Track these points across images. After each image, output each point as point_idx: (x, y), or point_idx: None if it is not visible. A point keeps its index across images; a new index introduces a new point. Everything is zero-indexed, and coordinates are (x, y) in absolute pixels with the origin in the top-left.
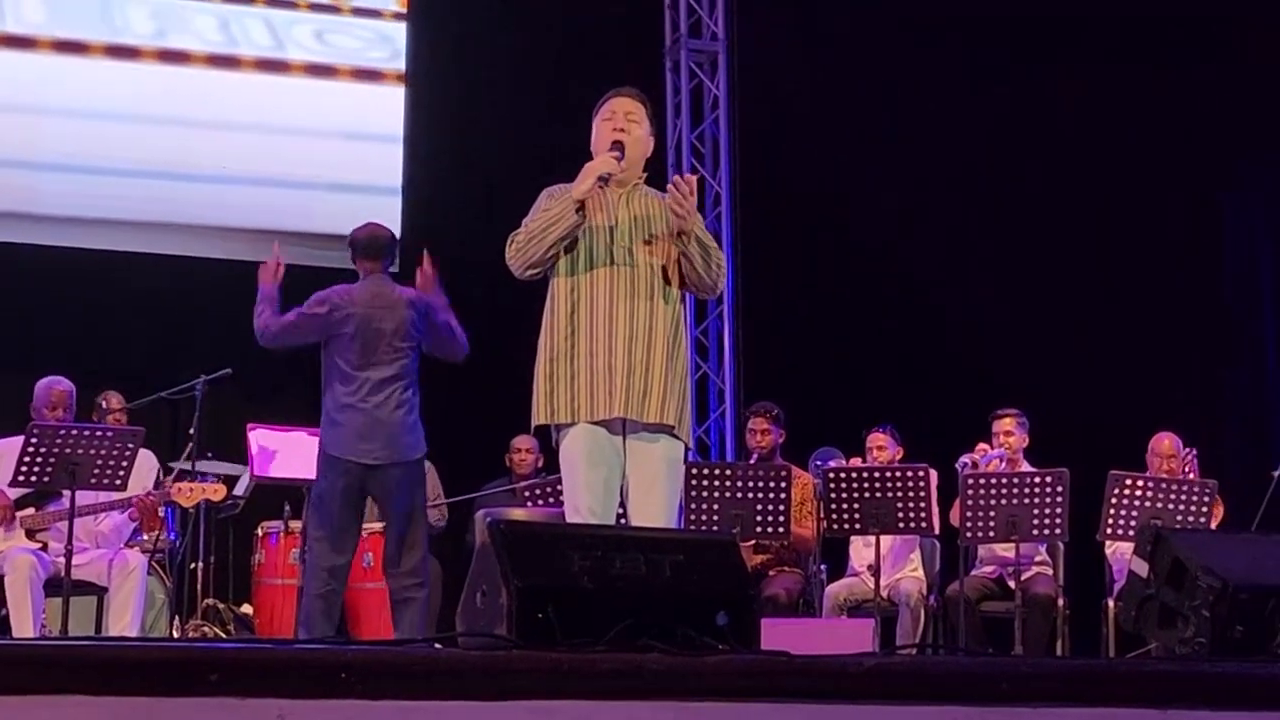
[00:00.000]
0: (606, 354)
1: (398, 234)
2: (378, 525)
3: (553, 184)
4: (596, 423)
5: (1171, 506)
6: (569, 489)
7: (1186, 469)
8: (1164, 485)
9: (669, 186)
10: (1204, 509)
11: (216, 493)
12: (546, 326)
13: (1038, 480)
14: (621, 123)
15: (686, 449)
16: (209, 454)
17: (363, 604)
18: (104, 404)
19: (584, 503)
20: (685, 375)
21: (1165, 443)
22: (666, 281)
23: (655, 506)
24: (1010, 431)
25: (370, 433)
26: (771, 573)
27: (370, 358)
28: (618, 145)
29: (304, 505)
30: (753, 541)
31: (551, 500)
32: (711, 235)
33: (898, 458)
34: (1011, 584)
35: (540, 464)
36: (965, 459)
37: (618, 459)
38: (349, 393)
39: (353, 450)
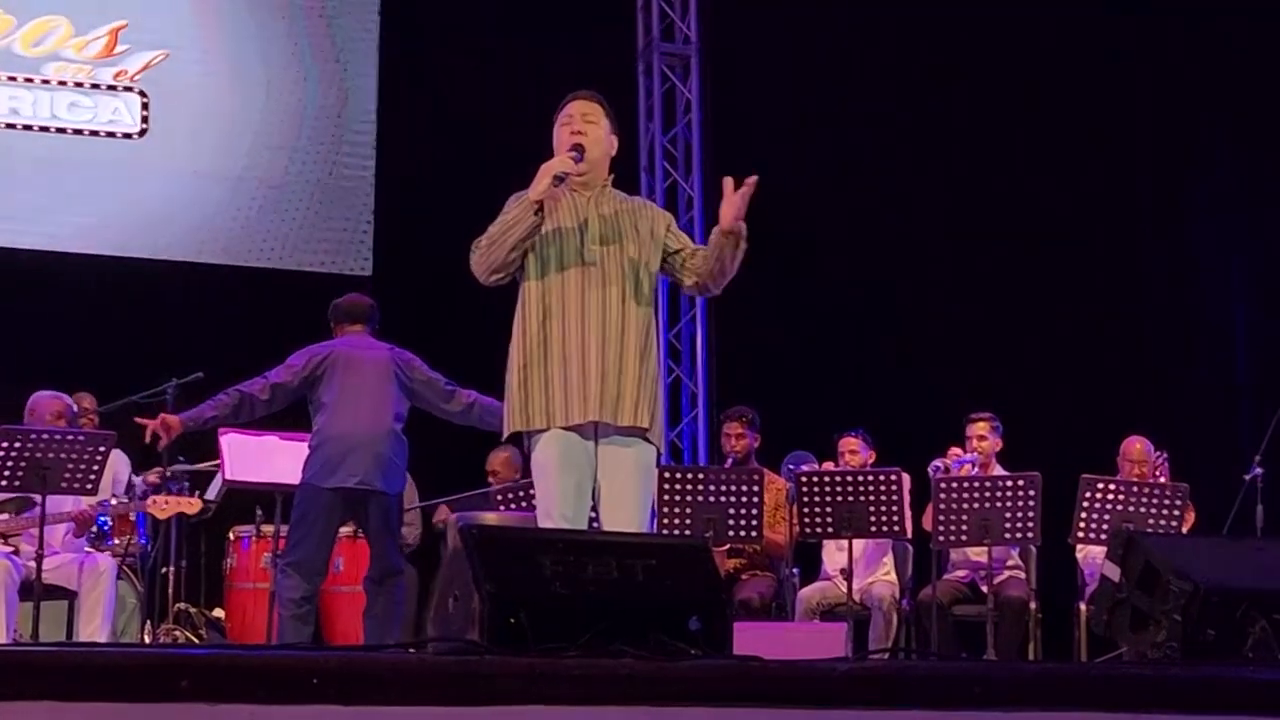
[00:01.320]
0: (580, 358)
1: (369, 237)
2: (348, 530)
3: (520, 190)
4: (570, 428)
5: (1143, 510)
6: (542, 494)
7: (1157, 473)
8: (1135, 489)
9: (725, 182)
10: (1175, 513)
11: (192, 506)
12: (518, 332)
13: (1010, 484)
14: (579, 125)
15: (659, 452)
16: (180, 458)
17: (336, 607)
18: (75, 406)
19: (556, 509)
20: (657, 378)
21: (1136, 446)
22: (638, 283)
23: (627, 512)
24: (984, 436)
25: (353, 459)
26: (744, 576)
27: (353, 390)
28: (576, 147)
29: (276, 510)
30: (726, 546)
31: (525, 505)
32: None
33: (870, 461)
34: (984, 588)
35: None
36: (937, 463)
37: (590, 465)
38: (332, 423)
39: (333, 477)
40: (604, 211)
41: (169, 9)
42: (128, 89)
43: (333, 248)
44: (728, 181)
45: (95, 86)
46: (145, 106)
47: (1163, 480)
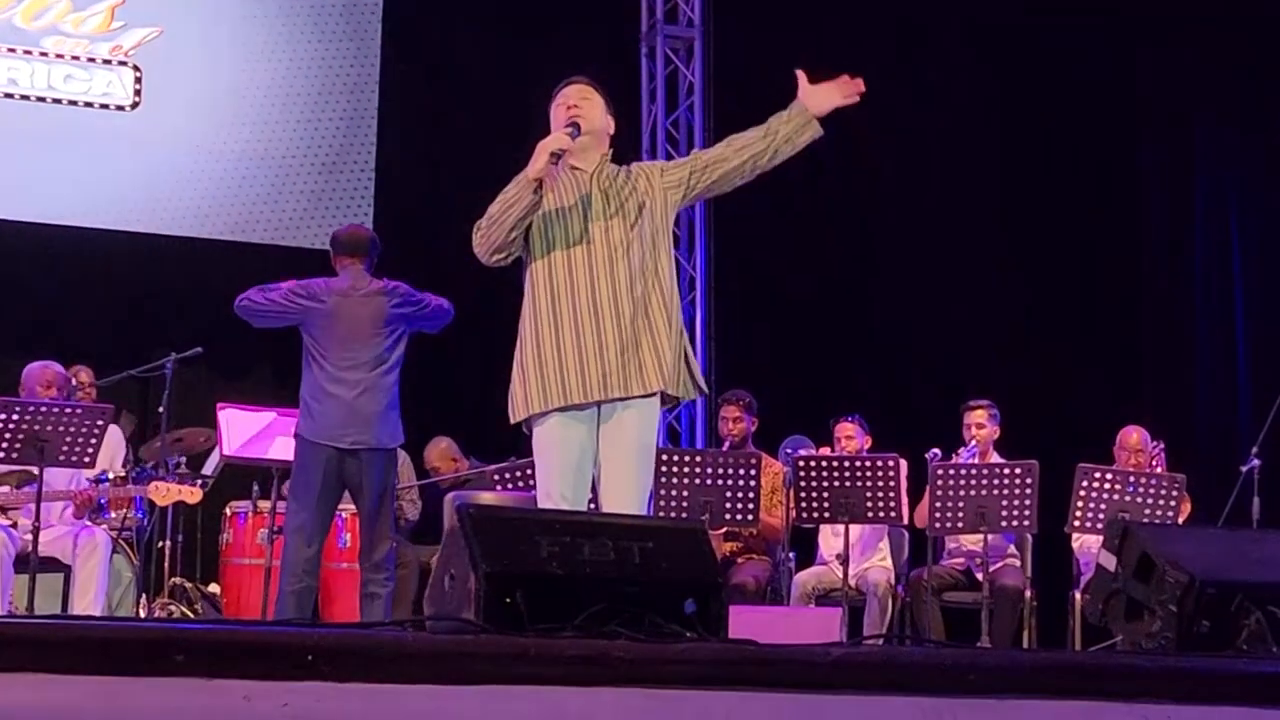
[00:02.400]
0: (594, 335)
1: (370, 215)
2: (352, 507)
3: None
4: (570, 407)
5: (1139, 500)
6: (541, 475)
7: (1154, 463)
8: (1132, 479)
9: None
10: (1172, 503)
11: (193, 496)
12: (528, 314)
13: (1007, 472)
14: (574, 101)
15: (679, 403)
16: (178, 433)
17: (336, 584)
18: (73, 379)
19: (556, 488)
20: (681, 333)
21: (1133, 436)
22: (648, 252)
23: (625, 496)
24: (982, 424)
25: (348, 418)
26: (739, 560)
27: (348, 345)
28: (572, 123)
29: (273, 486)
30: (723, 530)
31: (522, 485)
32: (684, 225)
33: (865, 447)
34: (979, 575)
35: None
36: (935, 451)
37: (591, 445)
38: (327, 379)
39: (329, 435)
40: (604, 186)
41: None
42: (122, 63)
43: (332, 224)
44: (802, 76)
45: (91, 60)
46: (139, 80)
47: (1159, 470)
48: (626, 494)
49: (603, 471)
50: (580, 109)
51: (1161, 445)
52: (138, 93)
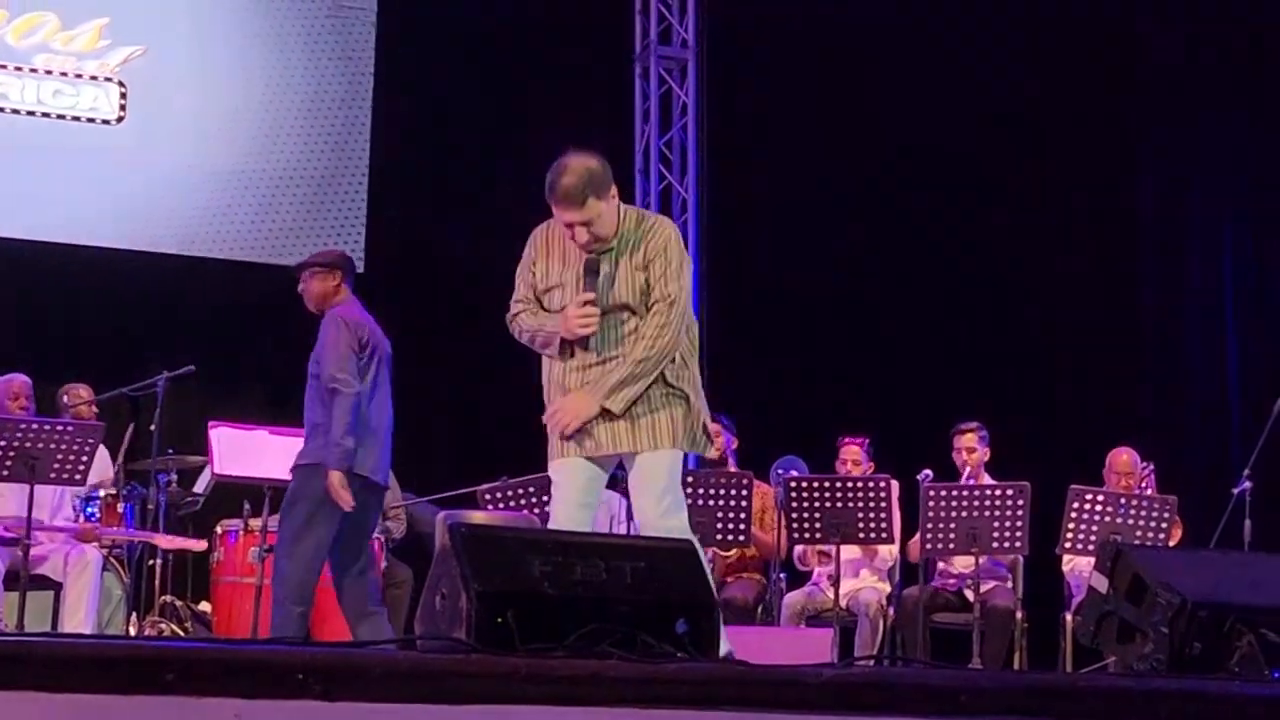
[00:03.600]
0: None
1: (361, 241)
2: None
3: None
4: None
5: (1131, 522)
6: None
7: (1144, 484)
8: (1124, 501)
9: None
10: (1163, 525)
11: (198, 545)
12: (544, 376)
13: (999, 493)
14: (582, 236)
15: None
16: (170, 450)
17: (328, 603)
18: (65, 398)
19: (561, 517)
20: (672, 392)
21: (1123, 458)
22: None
23: (650, 485)
24: (973, 448)
25: (384, 454)
26: (729, 579)
27: (385, 377)
28: (589, 303)
29: (264, 504)
30: (733, 552)
31: (512, 504)
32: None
33: (868, 473)
34: (970, 596)
35: None
36: (927, 472)
37: (600, 478)
38: (371, 414)
39: (380, 473)
40: (614, 259)
41: (155, 5)
42: (108, 79)
43: (324, 243)
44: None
45: (79, 76)
46: (124, 96)
47: (1150, 492)
48: (651, 486)
49: (631, 489)
50: (590, 239)
51: (1151, 467)
52: (123, 107)
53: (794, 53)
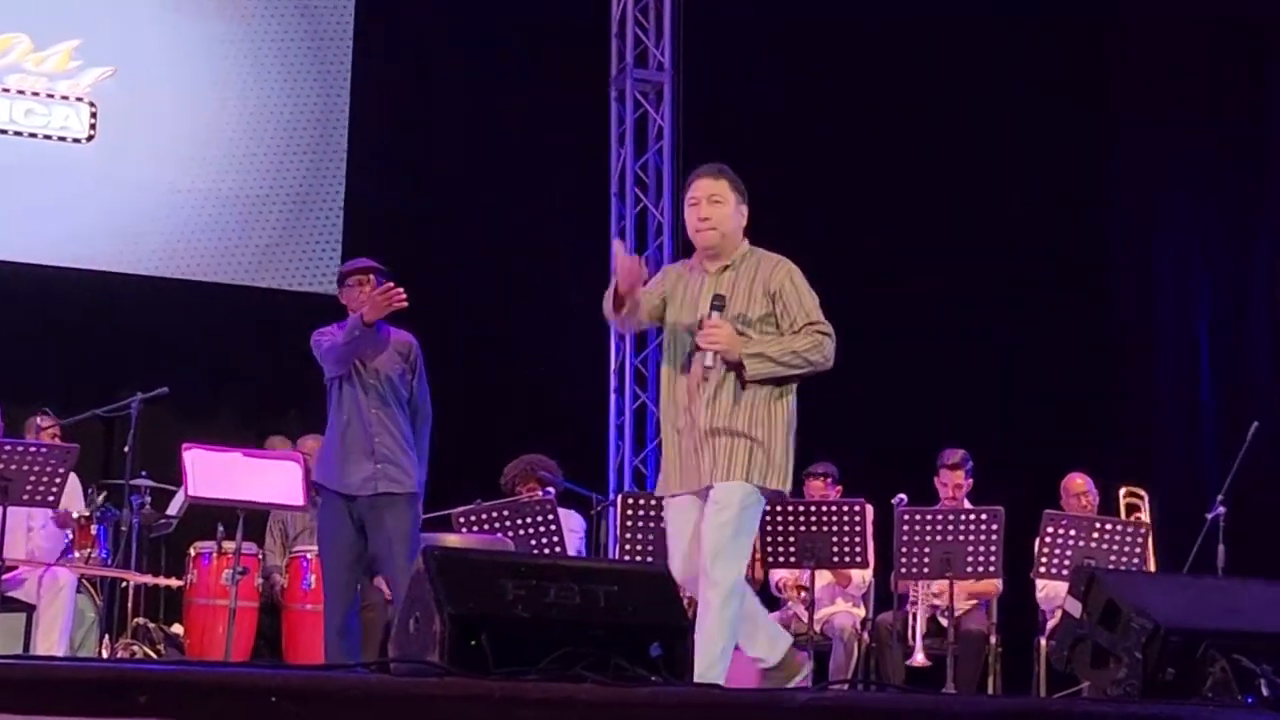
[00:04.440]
0: (674, 434)
1: (337, 262)
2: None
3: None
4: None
5: (1105, 547)
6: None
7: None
8: (1097, 525)
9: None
10: (1137, 550)
11: (175, 583)
12: (661, 391)
13: (973, 517)
14: (704, 209)
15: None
16: (143, 472)
17: (302, 626)
18: (38, 423)
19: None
20: (772, 434)
21: (1077, 481)
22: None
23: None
24: (959, 484)
25: None
26: None
27: None
28: (720, 298)
29: (238, 527)
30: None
31: (486, 528)
32: (651, 268)
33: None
34: (944, 621)
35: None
36: (902, 496)
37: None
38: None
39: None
40: (724, 283)
41: (129, 27)
42: (79, 99)
43: (301, 264)
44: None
45: (50, 96)
46: (94, 115)
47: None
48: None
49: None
50: (710, 218)
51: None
52: (93, 126)
53: (770, 77)
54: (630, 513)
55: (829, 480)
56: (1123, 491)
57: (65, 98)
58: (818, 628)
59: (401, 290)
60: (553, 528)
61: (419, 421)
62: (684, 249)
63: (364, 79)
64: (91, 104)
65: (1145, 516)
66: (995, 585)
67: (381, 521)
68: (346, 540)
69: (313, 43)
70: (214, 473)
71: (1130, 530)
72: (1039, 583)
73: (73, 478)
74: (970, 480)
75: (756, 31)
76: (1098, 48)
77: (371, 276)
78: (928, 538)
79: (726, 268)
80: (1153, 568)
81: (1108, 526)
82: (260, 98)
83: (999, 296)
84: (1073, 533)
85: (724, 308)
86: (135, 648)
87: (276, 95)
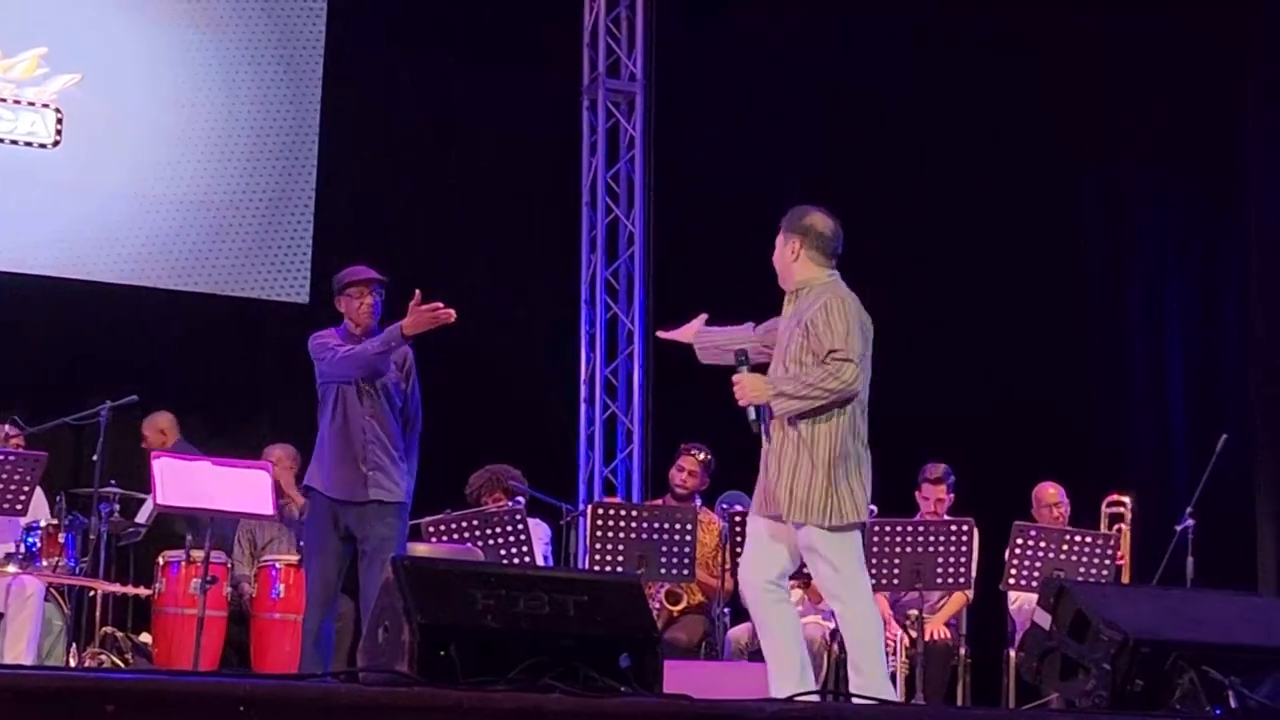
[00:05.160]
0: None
1: (307, 270)
2: (293, 558)
3: None
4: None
5: (1074, 558)
6: None
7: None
8: (1067, 537)
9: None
10: (1107, 561)
11: (144, 592)
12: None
13: (943, 529)
14: None
15: (833, 529)
16: (112, 480)
17: (271, 634)
18: (6, 431)
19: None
20: (813, 471)
21: (1049, 490)
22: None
23: None
24: (941, 499)
25: None
26: (677, 617)
27: None
28: (742, 353)
29: (205, 535)
30: (666, 589)
31: (456, 537)
32: (623, 278)
33: None
34: (914, 632)
35: None
36: (872, 508)
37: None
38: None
39: None
40: (784, 318)
41: (98, 34)
42: (45, 105)
43: (269, 274)
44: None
45: (17, 102)
46: (60, 121)
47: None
48: None
49: None
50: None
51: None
52: (59, 132)
53: (742, 87)
54: (600, 523)
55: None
56: (1106, 501)
57: (32, 104)
58: None
59: (451, 311)
60: (522, 537)
61: (409, 431)
62: (654, 259)
63: (335, 87)
64: (58, 110)
65: (1127, 525)
66: (965, 596)
67: (369, 530)
68: (332, 546)
69: (284, 50)
70: (183, 481)
71: (1100, 542)
72: (1012, 594)
73: (39, 493)
74: (952, 495)
75: (727, 42)
76: (1074, 59)
77: (373, 288)
78: (898, 549)
79: (790, 302)
80: (1128, 575)
81: (1077, 538)
82: (231, 105)
83: (970, 306)
84: (1043, 544)
85: (746, 360)
86: (103, 656)
87: (247, 103)
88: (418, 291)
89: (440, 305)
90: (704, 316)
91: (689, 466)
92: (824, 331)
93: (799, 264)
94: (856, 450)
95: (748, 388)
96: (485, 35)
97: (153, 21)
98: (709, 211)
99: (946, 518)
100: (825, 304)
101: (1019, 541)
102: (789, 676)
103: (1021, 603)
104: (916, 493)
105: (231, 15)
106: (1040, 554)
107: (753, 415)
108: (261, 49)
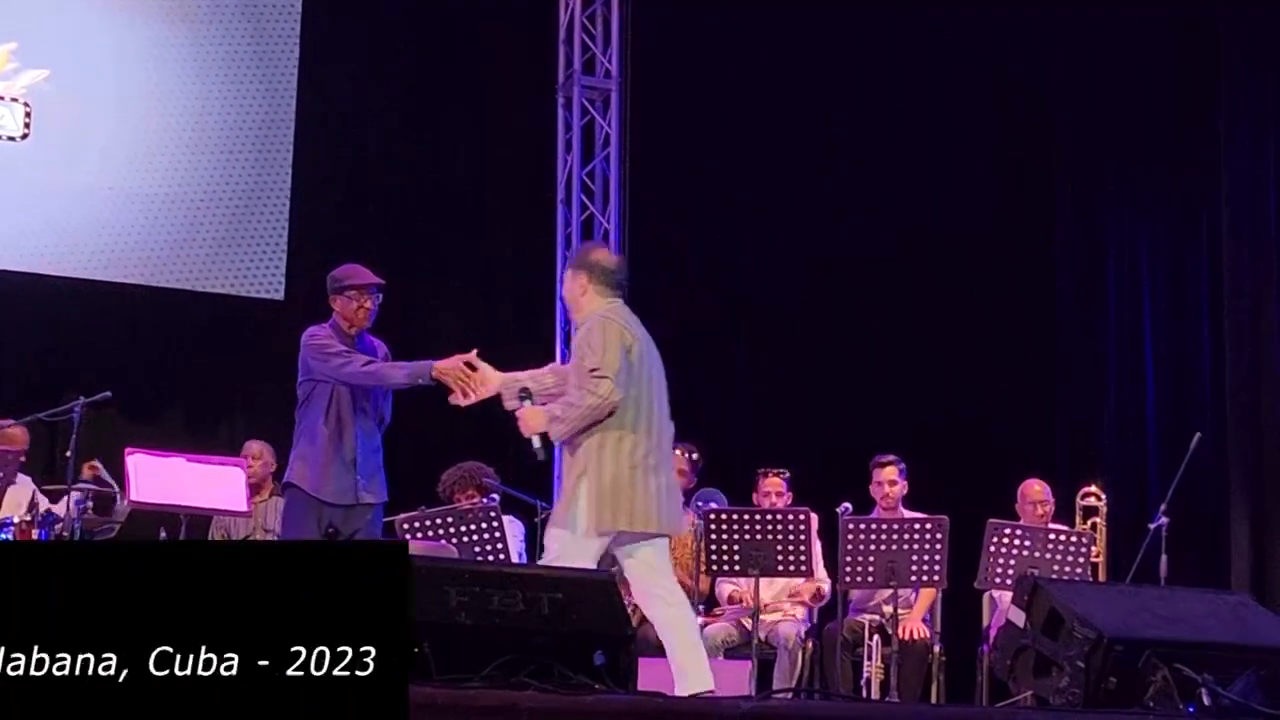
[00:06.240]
0: None
1: (282, 267)
2: None
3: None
4: None
5: (1049, 556)
6: None
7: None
8: (1042, 535)
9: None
10: (1081, 559)
11: None
12: None
13: (918, 526)
14: None
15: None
16: (85, 477)
17: None
18: None
19: None
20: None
21: (1035, 487)
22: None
23: None
24: (894, 480)
25: None
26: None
27: None
28: (525, 390)
29: (180, 532)
30: None
31: (430, 535)
32: (594, 337)
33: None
34: (889, 630)
35: None
36: (846, 505)
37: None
38: None
39: None
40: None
41: (70, 29)
42: (14, 100)
43: (245, 269)
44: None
45: None
46: (28, 115)
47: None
48: None
49: None
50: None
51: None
52: (27, 125)
53: (717, 84)
54: None
55: (786, 484)
56: (1081, 492)
57: (1, 98)
58: (762, 635)
59: (472, 397)
60: (497, 534)
61: (381, 426)
62: (630, 255)
63: (310, 82)
64: (26, 104)
65: (1102, 519)
66: (934, 590)
67: (355, 530)
68: None
69: (258, 46)
70: (157, 478)
71: (1075, 540)
72: (995, 592)
73: (27, 481)
74: (904, 482)
75: (703, 38)
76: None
77: (374, 292)
78: (872, 546)
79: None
80: (1104, 572)
81: (1051, 536)
82: (204, 101)
83: (947, 306)
84: (1017, 542)
85: (529, 396)
86: None
87: (220, 98)
88: (475, 350)
89: (477, 375)
90: (475, 351)
91: (677, 465)
92: (586, 352)
93: (586, 298)
94: (628, 472)
95: (528, 420)
96: (460, 31)
97: (125, 17)
98: (684, 209)
99: (921, 515)
100: (589, 327)
101: (993, 540)
102: (684, 674)
103: (995, 599)
104: (870, 485)
105: (205, 10)
106: (1015, 552)
107: (536, 444)
108: (235, 43)
